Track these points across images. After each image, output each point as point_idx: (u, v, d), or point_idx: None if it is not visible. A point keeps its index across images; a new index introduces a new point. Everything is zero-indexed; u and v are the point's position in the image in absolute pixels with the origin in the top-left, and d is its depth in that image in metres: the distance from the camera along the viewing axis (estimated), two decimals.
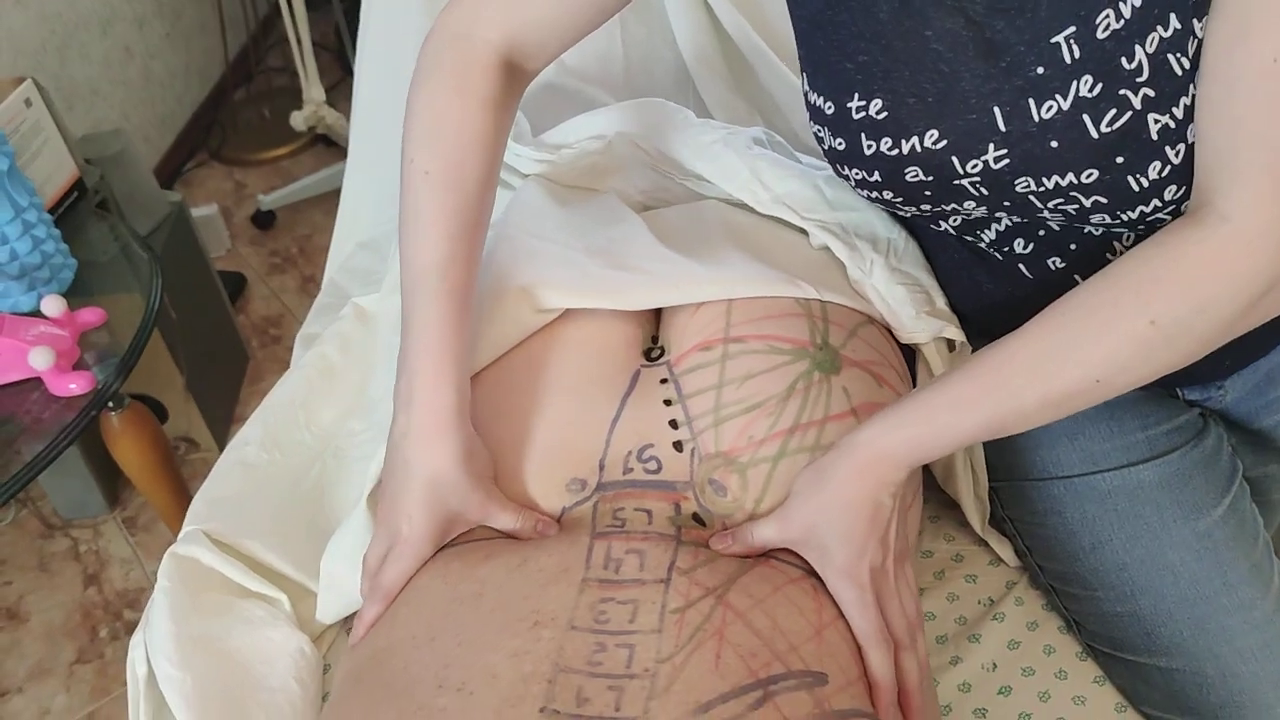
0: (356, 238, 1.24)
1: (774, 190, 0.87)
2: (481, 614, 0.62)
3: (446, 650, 0.61)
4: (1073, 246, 0.72)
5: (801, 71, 0.72)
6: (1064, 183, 0.65)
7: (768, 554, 0.67)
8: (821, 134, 0.72)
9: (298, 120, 2.57)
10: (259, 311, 2.25)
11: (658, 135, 0.94)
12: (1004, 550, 0.85)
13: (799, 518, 0.66)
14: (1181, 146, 0.61)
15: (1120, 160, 0.62)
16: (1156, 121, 0.61)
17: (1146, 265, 0.60)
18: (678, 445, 0.71)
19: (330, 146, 2.71)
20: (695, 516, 0.68)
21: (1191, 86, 0.59)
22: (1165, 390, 0.85)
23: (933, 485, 0.87)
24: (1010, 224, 0.73)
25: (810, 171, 0.89)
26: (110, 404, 1.36)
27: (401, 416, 0.69)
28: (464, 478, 0.68)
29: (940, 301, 0.83)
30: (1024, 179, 0.66)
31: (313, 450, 0.91)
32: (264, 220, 2.46)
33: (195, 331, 1.84)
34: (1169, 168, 0.62)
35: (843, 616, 0.65)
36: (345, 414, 0.94)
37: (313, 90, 2.52)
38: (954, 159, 0.66)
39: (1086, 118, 0.62)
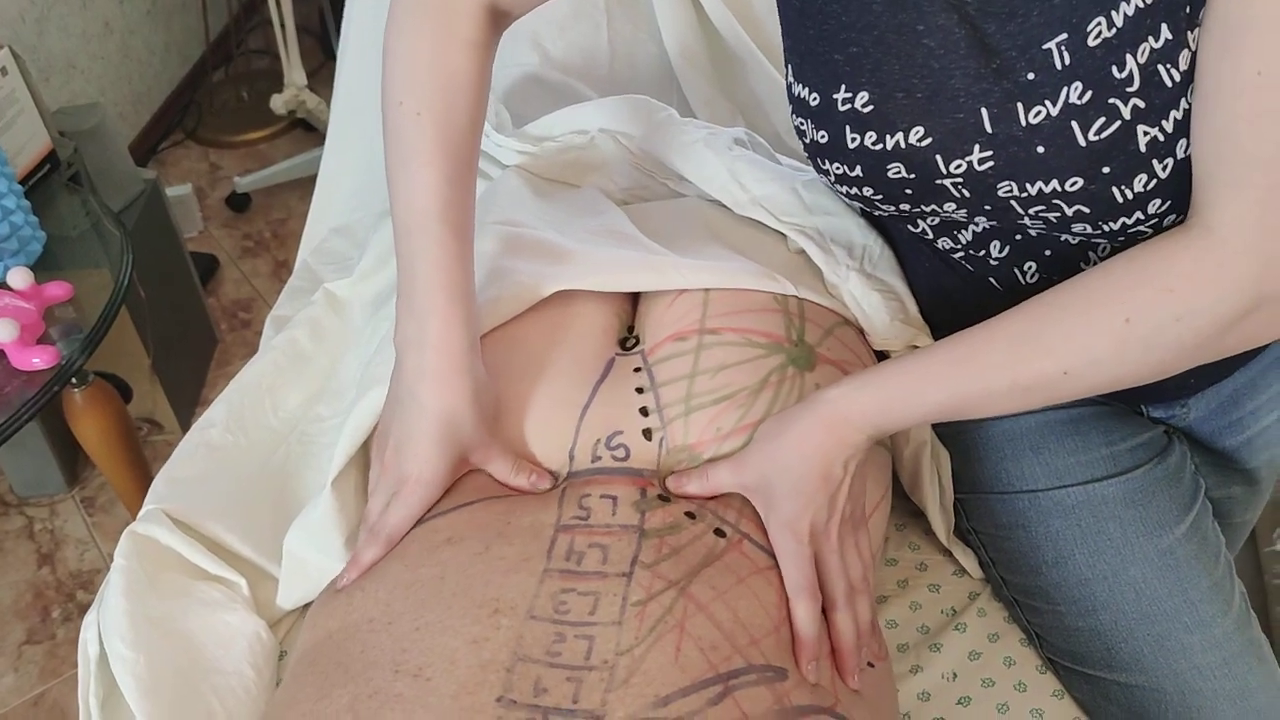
0: (331, 222, 1.23)
1: (752, 192, 0.87)
2: (442, 598, 0.61)
3: (404, 634, 0.60)
4: (1047, 253, 0.72)
5: (786, 63, 0.72)
6: (1047, 189, 0.65)
7: (739, 538, 0.66)
8: (804, 127, 0.72)
9: (277, 103, 2.54)
10: (229, 295, 2.23)
11: (640, 132, 0.94)
12: (968, 561, 0.85)
13: (754, 464, 0.67)
14: (1170, 161, 0.61)
15: (1106, 170, 0.63)
16: (1145, 133, 0.61)
17: (1130, 267, 0.60)
18: (646, 433, 0.71)
19: (309, 131, 2.68)
20: (660, 496, 0.68)
21: (1183, 100, 0.59)
22: (1130, 407, 0.85)
23: (900, 494, 0.87)
24: (987, 227, 0.73)
25: (789, 174, 0.89)
26: (74, 380, 1.34)
27: (413, 357, 0.69)
28: (476, 416, 0.68)
29: (913, 309, 0.83)
30: (1007, 183, 0.66)
31: (278, 434, 0.90)
32: (238, 203, 2.44)
33: (164, 312, 1.82)
34: (1155, 181, 0.62)
35: None
36: (312, 399, 0.93)
37: (294, 74, 2.50)
38: (938, 157, 0.66)
39: (1075, 125, 0.62)
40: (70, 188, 1.51)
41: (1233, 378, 0.81)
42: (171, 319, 1.88)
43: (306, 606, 0.78)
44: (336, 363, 0.95)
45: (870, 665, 0.67)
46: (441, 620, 0.60)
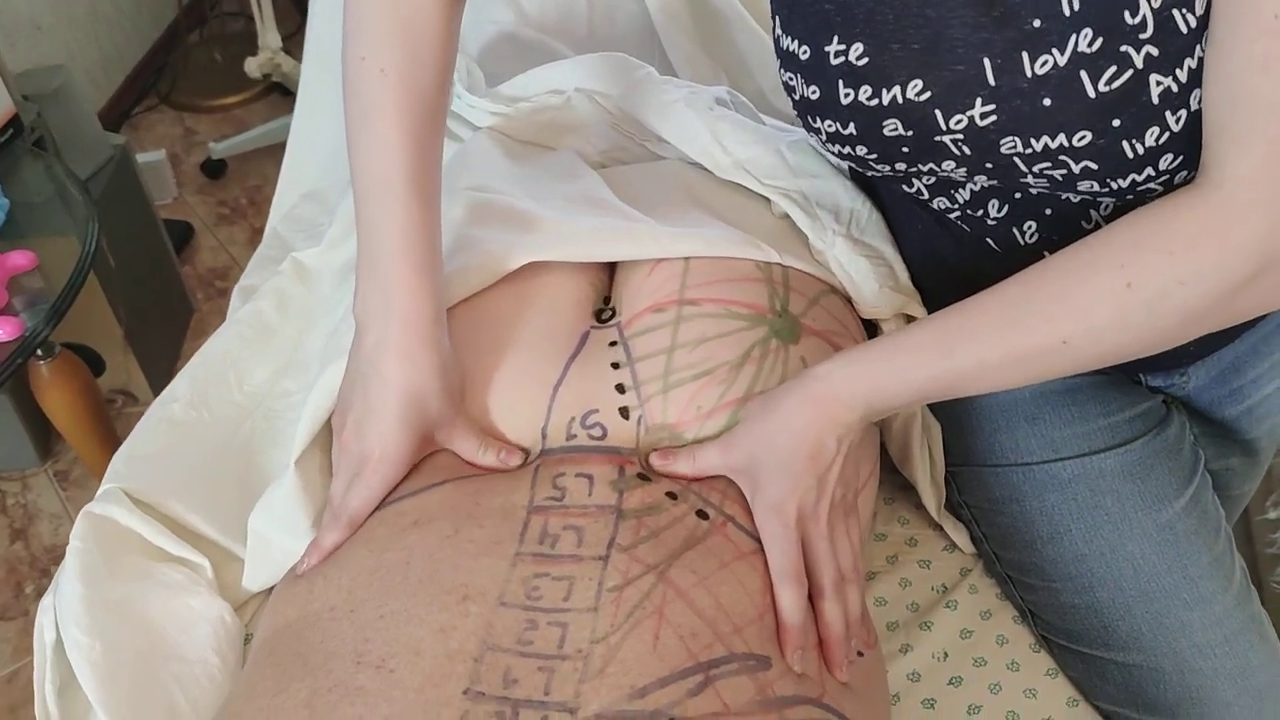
0: (302, 188, 1.19)
1: (734, 154, 0.84)
2: (408, 585, 0.59)
3: (367, 623, 0.57)
4: (1048, 212, 0.69)
5: (773, 15, 0.68)
6: (1054, 145, 0.62)
7: (722, 520, 0.64)
8: (793, 82, 0.68)
9: (252, 67, 2.49)
10: (205, 263, 2.19)
11: (618, 92, 0.90)
12: (959, 536, 0.83)
13: (741, 444, 0.64)
14: (1183, 113, 0.58)
15: (1116, 123, 0.59)
16: (1159, 83, 0.57)
17: (1132, 229, 0.57)
18: (624, 412, 0.68)
19: (285, 95, 2.63)
20: (640, 475, 0.65)
21: (1198, 48, 0.56)
22: (1128, 376, 0.83)
23: (888, 467, 0.84)
24: (987, 185, 0.70)
25: (774, 135, 0.86)
26: (39, 352, 1.31)
27: (375, 328, 0.66)
28: (442, 390, 0.66)
29: (903, 276, 0.80)
30: (1011, 139, 0.62)
31: (243, 409, 0.87)
32: (214, 169, 2.39)
33: (136, 281, 1.78)
34: (1167, 134, 0.59)
35: None
36: (279, 373, 0.90)
37: (268, 36, 2.44)
38: (937, 113, 0.63)
39: (1084, 75, 0.58)
40: (35, 153, 1.48)
41: (1233, 345, 0.79)
42: (145, 289, 1.85)
43: (273, 589, 0.74)
44: (304, 335, 0.92)
45: (859, 654, 0.64)
46: (407, 608, 0.57)
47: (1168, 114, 0.58)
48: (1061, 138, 0.61)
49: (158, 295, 1.93)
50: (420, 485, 0.66)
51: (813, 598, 0.62)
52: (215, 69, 2.73)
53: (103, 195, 1.68)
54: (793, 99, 0.69)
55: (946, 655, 0.75)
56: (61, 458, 1.77)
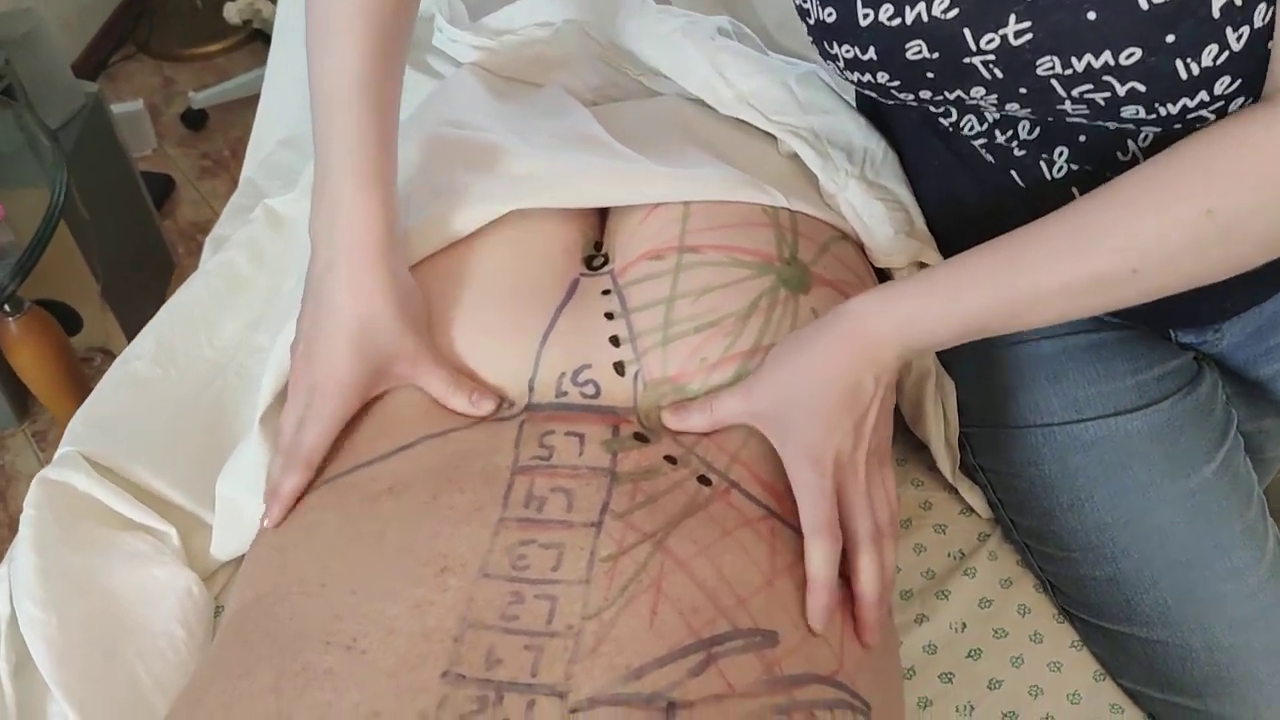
0: (279, 134, 1.14)
1: (738, 88, 0.79)
2: (383, 557, 0.55)
3: (338, 598, 0.53)
4: (1081, 139, 0.64)
5: None
6: (1097, 64, 0.56)
7: (726, 487, 0.59)
8: (808, 5, 0.63)
9: (231, 13, 2.41)
10: (186, 217, 2.13)
11: (610, 23, 0.85)
12: (976, 499, 0.79)
13: (766, 388, 0.60)
14: (1245, 29, 0.52)
15: (1170, 39, 0.54)
16: None
17: (1208, 149, 0.52)
18: (619, 367, 0.64)
19: (267, 43, 2.51)
20: (637, 435, 0.61)
21: None
22: (1157, 331, 0.78)
23: (901, 426, 0.80)
24: (1018, 114, 0.65)
25: (781, 67, 0.81)
26: (7, 308, 1.27)
27: (323, 251, 0.62)
28: (397, 318, 0.62)
29: (919, 221, 0.76)
30: (1048, 58, 0.57)
31: (213, 366, 0.83)
32: (194, 120, 2.32)
33: (114, 236, 1.73)
34: (1226, 54, 0.53)
35: (801, 562, 0.57)
36: (251, 327, 0.86)
37: None
38: (966, 32, 0.57)
39: None
40: (3, 101, 1.45)
41: (1273, 300, 0.74)
42: (123, 243, 1.80)
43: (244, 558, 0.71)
44: (278, 286, 0.87)
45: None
46: (381, 582, 0.53)
47: (1229, 30, 0.53)
48: (1106, 56, 0.56)
49: (137, 250, 1.88)
50: (392, 447, 0.61)
51: (846, 553, 0.57)
52: (195, 16, 2.64)
53: (75, 146, 1.63)
54: (807, 24, 0.64)
55: (965, 626, 0.72)
56: (39, 418, 1.73)
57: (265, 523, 0.61)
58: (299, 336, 0.64)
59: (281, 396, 0.69)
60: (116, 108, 1.98)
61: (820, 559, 0.55)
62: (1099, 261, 0.53)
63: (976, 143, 0.69)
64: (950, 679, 0.70)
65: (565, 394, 0.63)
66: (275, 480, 0.61)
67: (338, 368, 0.61)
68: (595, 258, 0.71)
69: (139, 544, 0.70)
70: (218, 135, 2.34)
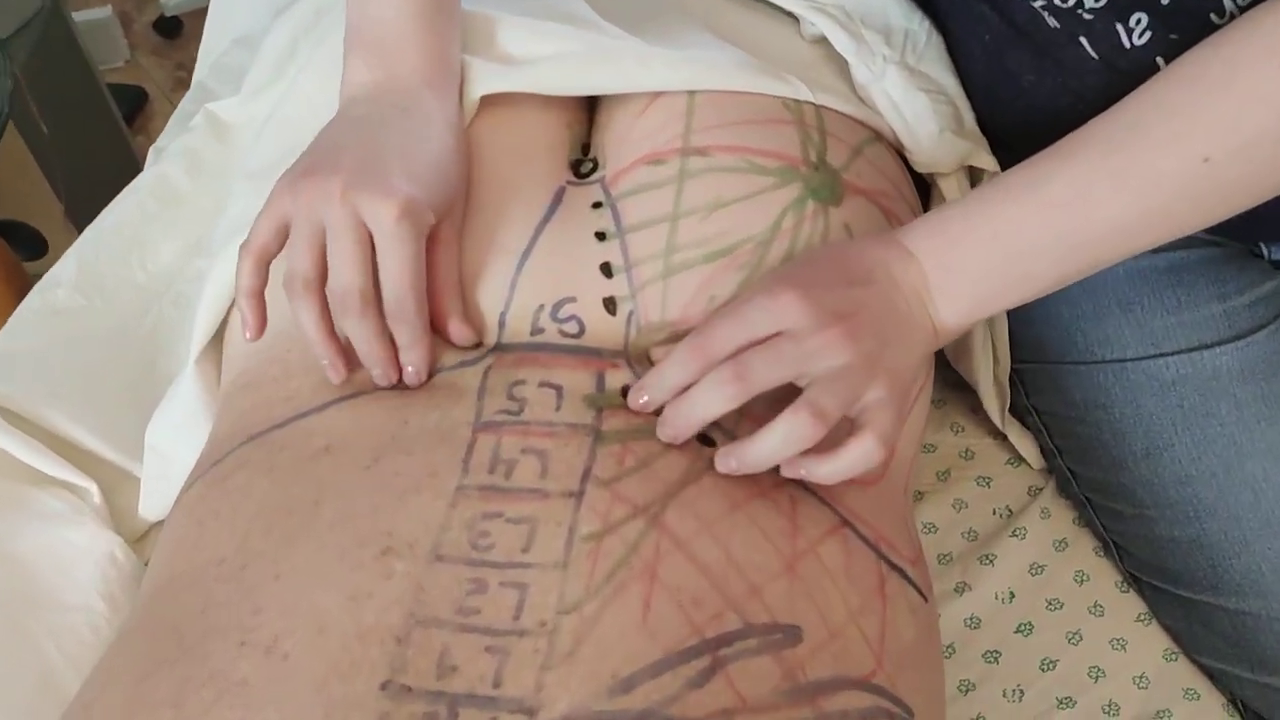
0: (233, 31, 1.05)
1: None
2: (314, 533, 0.46)
3: (259, 585, 0.45)
4: (1164, 1, 0.55)
5: None
6: None
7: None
8: None
9: None
10: (160, 131, 2.01)
11: None
12: (1027, 448, 0.72)
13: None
14: None
15: None
16: None
17: None
18: (609, 304, 0.55)
19: None
20: (627, 390, 0.52)
21: None
22: (1245, 246, 0.69)
23: (940, 362, 0.73)
24: None
25: None
26: None
27: (382, 80, 0.56)
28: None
29: (969, 117, 0.67)
30: None
31: (147, 294, 0.76)
32: (168, 28, 2.22)
33: (78, 153, 1.65)
34: None
35: (828, 537, 0.49)
36: (191, 250, 0.78)
37: None
38: None
39: None
40: None
41: None
42: (89, 161, 1.72)
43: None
44: (221, 203, 0.78)
45: (920, 593, 0.52)
46: (311, 565, 0.45)
47: None
48: None
49: (106, 168, 1.79)
50: (332, 396, 0.52)
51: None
52: None
53: (31, 56, 1.53)
54: None
55: (1013, 596, 0.66)
56: None
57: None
58: (317, 165, 0.52)
59: (221, 334, 0.62)
60: (81, 15, 1.88)
61: (781, 429, 0.46)
62: (1171, 148, 0.47)
63: (1036, 3, 0.60)
64: (996, 658, 0.64)
65: (541, 330, 0.54)
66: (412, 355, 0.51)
67: (445, 162, 0.54)
68: (584, 163, 0.62)
69: (54, 502, 0.63)
70: (193, 44, 2.19)
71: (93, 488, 0.64)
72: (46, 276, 0.74)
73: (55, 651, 0.57)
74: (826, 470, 0.47)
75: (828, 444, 0.47)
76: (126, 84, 2.04)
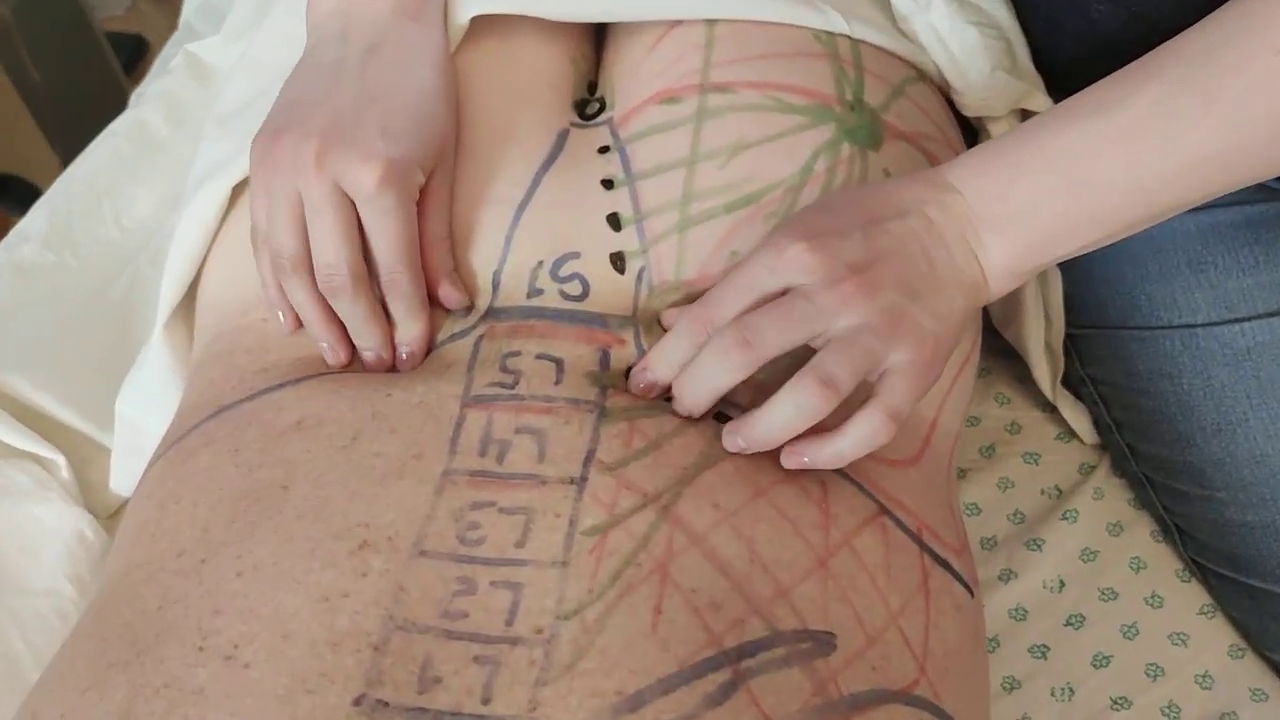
0: None
1: None
2: (282, 522, 0.42)
3: (220, 582, 0.41)
4: None
5: None
6: None
7: None
8: None
9: None
10: None
11: None
12: (1080, 421, 0.67)
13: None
14: None
15: None
16: None
17: None
18: (617, 260, 0.50)
19: None
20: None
21: None
22: None
23: (985, 328, 0.68)
24: None
25: None
26: None
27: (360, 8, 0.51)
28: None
29: (1023, 53, 0.61)
30: None
31: (122, 251, 0.72)
32: None
33: (74, 102, 1.62)
34: None
35: (865, 528, 0.44)
36: (169, 203, 0.74)
37: None
38: None
39: None
40: None
41: None
42: (86, 111, 1.68)
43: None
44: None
45: (966, 588, 0.48)
46: (277, 560, 0.41)
47: None
48: None
49: (104, 118, 1.74)
50: (305, 371, 0.48)
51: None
52: None
53: (22, 2, 1.50)
54: None
55: (1063, 585, 0.62)
56: None
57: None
58: (291, 122, 0.48)
59: (191, 298, 0.58)
60: None
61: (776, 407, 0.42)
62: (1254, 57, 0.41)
63: None
64: (1044, 654, 0.60)
65: (540, 292, 0.49)
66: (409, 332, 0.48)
67: (430, 107, 0.49)
68: (589, 103, 0.57)
69: (19, 477, 0.61)
70: None
71: (61, 460, 0.61)
72: (14, 231, 0.71)
73: (18, 638, 0.55)
74: (827, 454, 0.42)
75: (842, 418, 0.41)
76: (124, 32, 2.00)
